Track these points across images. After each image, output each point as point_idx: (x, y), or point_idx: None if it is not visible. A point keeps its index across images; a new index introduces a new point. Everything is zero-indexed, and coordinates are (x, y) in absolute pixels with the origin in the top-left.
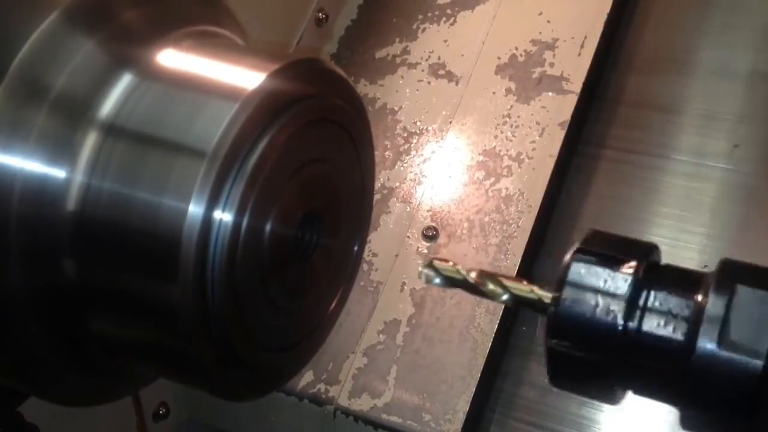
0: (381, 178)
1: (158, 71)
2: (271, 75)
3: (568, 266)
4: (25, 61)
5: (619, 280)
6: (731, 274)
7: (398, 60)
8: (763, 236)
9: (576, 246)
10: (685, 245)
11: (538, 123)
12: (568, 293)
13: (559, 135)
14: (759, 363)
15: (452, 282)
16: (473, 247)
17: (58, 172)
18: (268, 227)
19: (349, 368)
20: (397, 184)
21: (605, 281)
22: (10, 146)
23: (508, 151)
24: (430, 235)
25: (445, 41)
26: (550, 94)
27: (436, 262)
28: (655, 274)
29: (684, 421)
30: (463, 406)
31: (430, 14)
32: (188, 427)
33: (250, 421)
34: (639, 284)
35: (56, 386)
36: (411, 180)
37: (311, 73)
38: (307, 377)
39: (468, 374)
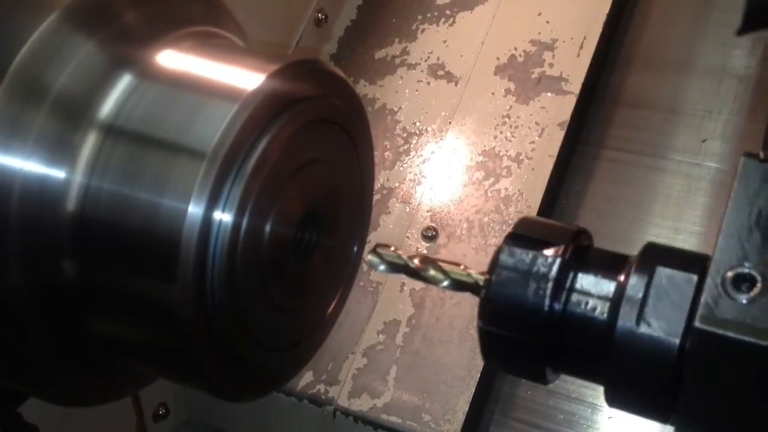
0: (380, 179)
1: (158, 72)
2: (271, 76)
3: (499, 250)
4: (25, 62)
5: (546, 263)
6: (652, 256)
7: (397, 60)
8: None
9: (508, 231)
10: (683, 245)
11: (537, 123)
12: (498, 276)
13: (559, 135)
14: (675, 341)
15: (395, 267)
16: (472, 248)
17: (58, 173)
18: (267, 227)
19: (348, 368)
20: (397, 184)
21: (532, 264)
22: (9, 146)
23: (507, 151)
24: (430, 235)
25: (445, 42)
26: (549, 94)
27: (380, 249)
28: (583, 256)
29: (609, 399)
30: (462, 406)
31: (429, 15)
32: (188, 428)
33: (249, 422)
34: (565, 266)
35: (56, 386)
36: (410, 180)
37: (311, 73)
38: (306, 377)
39: (467, 374)
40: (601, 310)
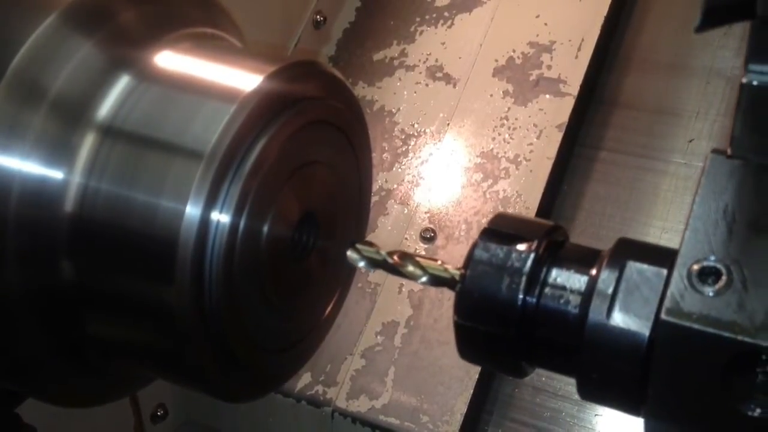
0: (379, 180)
1: (156, 73)
2: (269, 77)
3: (474, 245)
4: (23, 63)
5: (520, 257)
6: (623, 251)
7: (396, 62)
8: None
9: (484, 227)
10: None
11: (535, 125)
12: (472, 271)
13: (557, 137)
14: (644, 333)
15: (374, 263)
16: None
17: (56, 174)
18: (265, 228)
19: (347, 370)
20: (395, 185)
21: (507, 259)
22: (8, 147)
23: (505, 153)
24: (428, 236)
25: (443, 44)
26: (547, 96)
27: (359, 245)
28: (556, 251)
29: (581, 391)
30: (460, 407)
31: (427, 17)
32: (186, 429)
33: (247, 423)
34: (538, 261)
35: (54, 387)
36: (409, 182)
37: (308, 75)
38: (305, 379)
39: (466, 376)
40: (574, 303)
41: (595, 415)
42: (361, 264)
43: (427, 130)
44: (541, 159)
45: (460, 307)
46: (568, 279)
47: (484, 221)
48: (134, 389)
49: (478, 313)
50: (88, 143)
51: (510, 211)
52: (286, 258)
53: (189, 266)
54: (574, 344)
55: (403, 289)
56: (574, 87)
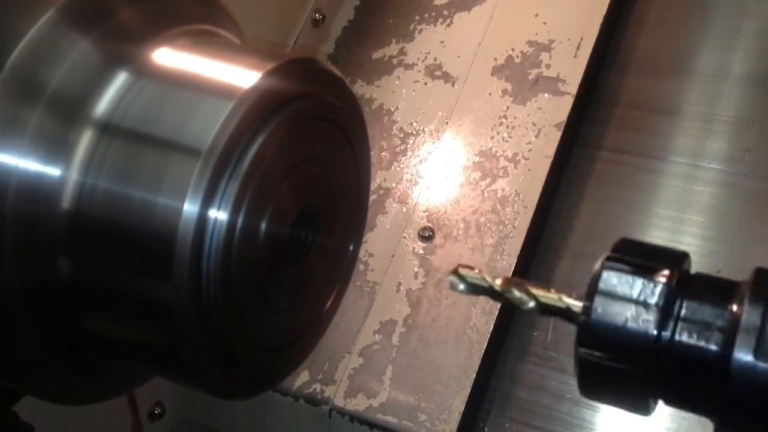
0: (377, 179)
1: (154, 70)
2: (267, 74)
3: (599, 275)
4: (20, 59)
5: (652, 289)
6: (767, 284)
7: (395, 61)
8: (758, 238)
9: (606, 254)
10: (683, 248)
11: (534, 124)
12: (599, 302)
13: (555, 136)
14: None
15: (477, 289)
16: (469, 248)
17: (53, 171)
18: (263, 226)
19: (344, 368)
20: (394, 184)
21: (637, 290)
22: (5, 144)
23: (504, 152)
24: (427, 235)
25: (442, 42)
26: (546, 95)
27: (462, 270)
28: (687, 282)
29: None
30: (458, 406)
31: (426, 15)
32: (184, 427)
33: (245, 421)
34: (672, 293)
35: (52, 385)
36: (407, 180)
37: (307, 72)
38: (302, 377)
39: (463, 374)
40: (714, 340)
41: (595, 414)
42: (461, 287)
43: (426, 129)
44: (539, 158)
45: (585, 341)
46: (706, 313)
47: (483, 220)
48: (132, 387)
49: (605, 348)
50: (85, 140)
51: (508, 210)
52: (284, 255)
53: (187, 263)
54: (716, 386)
55: (401, 288)
56: (573, 86)
